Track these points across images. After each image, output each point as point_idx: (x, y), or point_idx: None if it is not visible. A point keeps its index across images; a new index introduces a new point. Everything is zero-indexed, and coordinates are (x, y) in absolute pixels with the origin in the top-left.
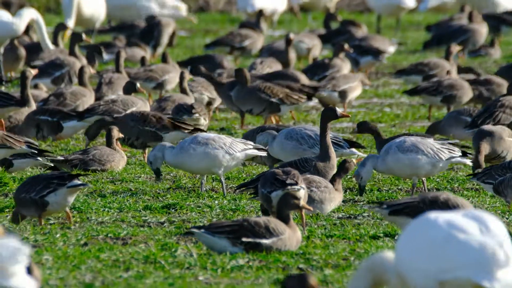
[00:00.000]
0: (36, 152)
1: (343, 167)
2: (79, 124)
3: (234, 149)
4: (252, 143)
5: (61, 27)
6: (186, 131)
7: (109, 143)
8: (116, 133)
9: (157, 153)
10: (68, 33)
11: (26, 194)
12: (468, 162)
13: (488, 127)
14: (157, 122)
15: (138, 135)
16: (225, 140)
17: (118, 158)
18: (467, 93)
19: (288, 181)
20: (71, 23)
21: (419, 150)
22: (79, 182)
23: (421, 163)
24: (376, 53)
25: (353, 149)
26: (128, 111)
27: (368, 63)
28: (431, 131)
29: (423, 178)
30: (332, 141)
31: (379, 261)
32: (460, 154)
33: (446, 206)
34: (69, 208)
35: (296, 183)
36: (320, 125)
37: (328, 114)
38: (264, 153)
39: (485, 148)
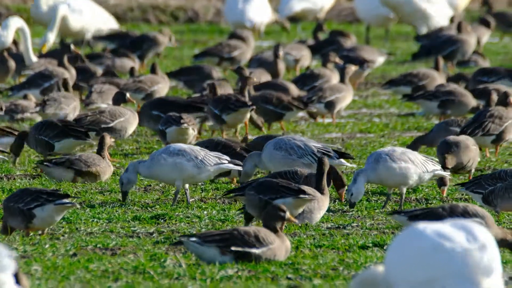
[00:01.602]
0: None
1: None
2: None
3: (206, 162)
4: (227, 157)
5: (66, 49)
6: (77, 137)
7: (99, 150)
8: (108, 140)
9: (130, 176)
10: (46, 46)
11: (15, 204)
12: (448, 176)
13: (453, 137)
14: (49, 130)
15: (36, 144)
16: (197, 153)
17: (104, 166)
18: (468, 101)
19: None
20: (52, 36)
21: (408, 159)
22: (67, 201)
23: (410, 173)
24: (361, 62)
25: (342, 160)
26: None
27: (354, 73)
28: (417, 144)
29: (403, 192)
30: (321, 151)
31: (370, 276)
32: (441, 167)
33: (466, 213)
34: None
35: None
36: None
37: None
38: (239, 168)
39: (452, 160)
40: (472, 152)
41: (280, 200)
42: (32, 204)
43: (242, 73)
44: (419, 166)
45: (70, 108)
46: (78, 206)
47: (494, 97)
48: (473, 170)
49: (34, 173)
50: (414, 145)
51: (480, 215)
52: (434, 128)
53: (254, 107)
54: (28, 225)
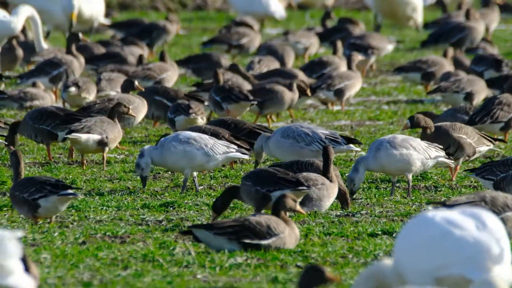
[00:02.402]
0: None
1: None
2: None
3: (215, 151)
4: (235, 146)
5: (74, 37)
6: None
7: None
8: (123, 109)
9: (148, 160)
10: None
11: (20, 193)
12: (451, 163)
13: (444, 123)
14: (51, 120)
15: (36, 133)
16: (207, 141)
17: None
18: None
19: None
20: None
21: (410, 146)
22: (71, 192)
23: (412, 159)
24: (366, 49)
25: (351, 145)
26: (31, 111)
27: (360, 60)
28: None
29: (410, 179)
30: (329, 138)
31: (377, 270)
32: (444, 154)
33: (506, 206)
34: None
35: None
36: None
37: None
38: (246, 157)
39: (417, 120)
40: (454, 139)
41: (278, 192)
42: (37, 194)
43: (217, 77)
44: (421, 153)
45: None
46: (81, 197)
47: None
48: (461, 159)
49: (43, 161)
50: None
51: None
52: (442, 115)
53: (255, 102)
54: (35, 214)
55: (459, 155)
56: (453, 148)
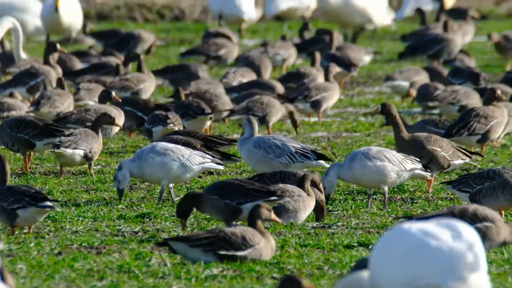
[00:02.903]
0: None
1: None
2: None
3: (191, 162)
4: (210, 156)
5: (52, 48)
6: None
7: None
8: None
9: (125, 173)
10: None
11: (2, 202)
12: (428, 176)
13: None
14: (30, 129)
15: (13, 142)
16: (183, 152)
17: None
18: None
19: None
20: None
21: (385, 157)
22: (49, 204)
23: (387, 171)
24: (348, 65)
25: (320, 161)
26: (8, 119)
27: (340, 73)
28: None
29: (385, 190)
30: (299, 152)
31: (355, 280)
32: (421, 166)
33: (476, 217)
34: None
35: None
36: None
37: None
38: (221, 167)
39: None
40: (427, 151)
41: (249, 204)
42: (15, 205)
43: (179, 95)
44: (396, 165)
45: (65, 106)
46: (59, 209)
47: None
48: (434, 172)
49: (19, 172)
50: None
51: (490, 219)
52: (413, 125)
53: (212, 115)
54: (13, 223)
55: (431, 167)
56: (426, 160)
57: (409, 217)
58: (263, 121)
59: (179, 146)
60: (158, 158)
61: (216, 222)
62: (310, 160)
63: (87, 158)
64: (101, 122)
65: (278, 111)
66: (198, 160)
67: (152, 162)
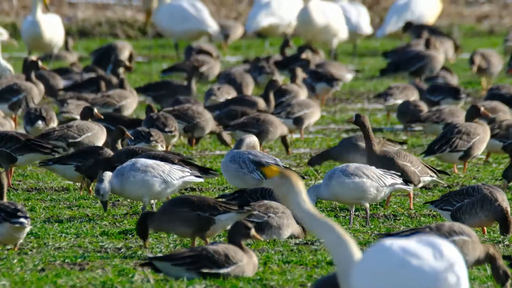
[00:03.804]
0: None
1: None
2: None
3: (172, 177)
4: (189, 170)
5: (33, 65)
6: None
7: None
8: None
9: (107, 185)
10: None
11: None
12: (410, 189)
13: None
14: (12, 143)
15: None
16: (163, 168)
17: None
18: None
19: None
20: None
21: (363, 174)
22: (21, 221)
23: (366, 187)
24: (331, 80)
25: None
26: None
27: (323, 89)
28: (323, 157)
29: (367, 207)
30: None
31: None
32: (402, 181)
33: (453, 231)
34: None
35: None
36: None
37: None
38: (201, 180)
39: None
40: (398, 167)
41: (224, 215)
42: None
43: (151, 110)
44: (375, 180)
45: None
46: (30, 227)
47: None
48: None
49: (9, 188)
50: (319, 159)
51: (466, 233)
52: (339, 143)
53: (174, 133)
54: None
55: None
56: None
57: (389, 234)
58: (258, 137)
59: (158, 162)
60: (139, 176)
61: (198, 238)
62: None
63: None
64: (118, 137)
65: (276, 128)
66: (178, 174)
67: (133, 180)
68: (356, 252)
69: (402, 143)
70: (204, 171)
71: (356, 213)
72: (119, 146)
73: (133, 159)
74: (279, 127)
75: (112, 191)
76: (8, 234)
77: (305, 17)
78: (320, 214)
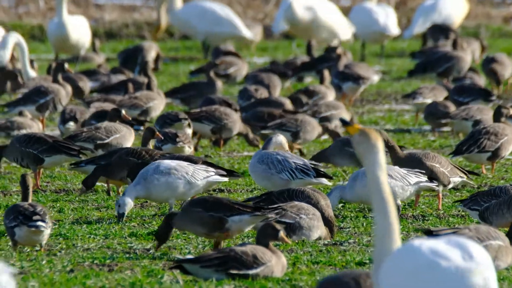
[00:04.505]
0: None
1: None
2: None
3: (196, 178)
4: (213, 170)
5: (59, 67)
6: (70, 155)
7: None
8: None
9: (128, 199)
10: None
11: (5, 220)
12: (435, 186)
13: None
14: (39, 144)
15: (22, 157)
16: (187, 169)
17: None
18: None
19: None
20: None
21: (387, 174)
22: (37, 225)
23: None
24: (357, 79)
25: (321, 179)
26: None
27: (350, 88)
28: (316, 159)
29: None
30: (300, 168)
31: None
32: (426, 179)
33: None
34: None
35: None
36: None
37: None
38: (225, 179)
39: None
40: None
41: (236, 217)
42: (12, 223)
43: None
44: (399, 180)
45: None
46: (48, 230)
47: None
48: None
49: (37, 189)
50: (315, 159)
51: (501, 238)
52: (331, 146)
53: (188, 120)
54: (14, 241)
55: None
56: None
57: (430, 231)
58: (296, 137)
59: (182, 163)
60: (163, 178)
61: (227, 239)
62: (309, 177)
63: None
64: (148, 138)
65: (313, 129)
66: (202, 175)
67: (157, 183)
68: (397, 244)
69: (472, 173)
70: (227, 173)
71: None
72: (150, 146)
73: (156, 162)
74: (316, 127)
75: (137, 197)
76: (27, 237)
77: (288, 13)
78: (387, 189)
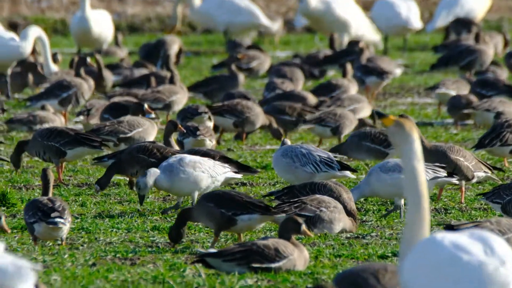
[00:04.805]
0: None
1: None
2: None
3: (216, 172)
4: (229, 166)
5: (81, 61)
6: (92, 147)
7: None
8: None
9: (149, 181)
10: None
11: (25, 215)
12: (455, 181)
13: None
14: (61, 137)
15: (44, 150)
16: (208, 163)
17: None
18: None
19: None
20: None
21: (401, 169)
22: (55, 221)
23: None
24: (381, 73)
25: (345, 172)
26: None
27: (373, 83)
28: (333, 153)
29: (398, 204)
30: (324, 161)
31: None
32: (445, 174)
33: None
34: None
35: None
36: None
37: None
38: (239, 176)
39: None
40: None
41: (245, 216)
42: (32, 219)
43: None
44: None
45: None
46: (67, 226)
47: None
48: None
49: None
50: (332, 152)
51: None
52: (348, 139)
53: (208, 114)
54: (33, 236)
55: (457, 175)
56: (449, 169)
57: (451, 226)
58: (335, 132)
59: (203, 158)
60: (189, 171)
61: (249, 232)
62: (334, 170)
63: None
64: (171, 131)
65: (351, 123)
66: (220, 170)
67: (183, 176)
68: (426, 236)
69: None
70: (243, 168)
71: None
72: (172, 140)
73: (178, 155)
74: (354, 121)
75: (159, 188)
76: (46, 233)
77: (302, 4)
78: (423, 181)
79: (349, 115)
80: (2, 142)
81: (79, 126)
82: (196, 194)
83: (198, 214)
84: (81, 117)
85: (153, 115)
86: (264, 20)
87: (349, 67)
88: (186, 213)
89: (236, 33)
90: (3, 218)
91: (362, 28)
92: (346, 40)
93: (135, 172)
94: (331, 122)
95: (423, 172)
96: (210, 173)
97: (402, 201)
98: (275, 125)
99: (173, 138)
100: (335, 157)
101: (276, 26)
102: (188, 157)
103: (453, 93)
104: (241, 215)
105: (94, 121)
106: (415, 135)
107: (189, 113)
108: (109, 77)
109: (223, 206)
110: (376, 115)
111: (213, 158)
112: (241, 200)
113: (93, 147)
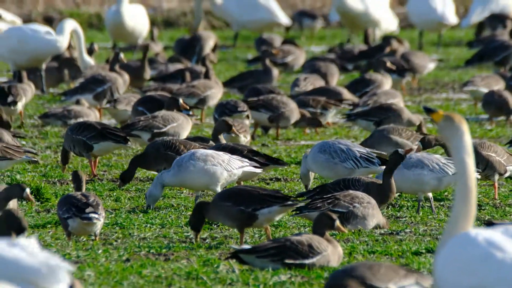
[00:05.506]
0: (35, 160)
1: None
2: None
3: (232, 166)
4: (247, 160)
5: (115, 58)
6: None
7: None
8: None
9: (153, 190)
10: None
11: (59, 210)
12: (478, 175)
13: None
14: (88, 131)
15: (74, 144)
16: (223, 157)
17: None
18: None
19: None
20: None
21: (424, 165)
22: (90, 217)
23: (426, 179)
24: (401, 71)
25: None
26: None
27: (394, 80)
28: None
29: (430, 196)
30: (364, 157)
31: None
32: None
33: None
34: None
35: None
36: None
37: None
38: (259, 170)
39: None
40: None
41: (266, 209)
42: (66, 214)
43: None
44: (436, 171)
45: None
46: (101, 222)
47: None
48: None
49: (87, 178)
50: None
51: None
52: (374, 134)
53: (247, 112)
54: (67, 232)
55: (489, 173)
56: (482, 166)
57: (491, 223)
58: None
59: (218, 152)
60: (199, 164)
61: (283, 229)
62: (374, 165)
63: None
64: (222, 130)
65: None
66: (237, 164)
67: (193, 169)
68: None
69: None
70: (272, 161)
71: (441, 203)
72: (221, 138)
73: (192, 150)
74: (407, 116)
75: (174, 185)
76: (80, 228)
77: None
78: (472, 175)
79: (403, 109)
80: (37, 162)
81: (113, 121)
82: (217, 188)
83: (215, 213)
84: (108, 105)
85: (190, 112)
86: (281, 17)
87: (383, 62)
88: (203, 207)
89: (252, 30)
90: (27, 190)
91: (387, 20)
92: (378, 34)
93: (163, 168)
94: (376, 116)
95: (473, 166)
96: (225, 167)
97: (430, 194)
98: (310, 116)
99: (221, 137)
100: (376, 153)
101: (317, 22)
102: (200, 151)
103: (482, 89)
104: (261, 209)
105: (122, 107)
106: (465, 128)
107: (227, 109)
108: (148, 71)
109: (241, 203)
110: (425, 110)
111: (241, 152)
112: (258, 194)
113: (117, 141)
